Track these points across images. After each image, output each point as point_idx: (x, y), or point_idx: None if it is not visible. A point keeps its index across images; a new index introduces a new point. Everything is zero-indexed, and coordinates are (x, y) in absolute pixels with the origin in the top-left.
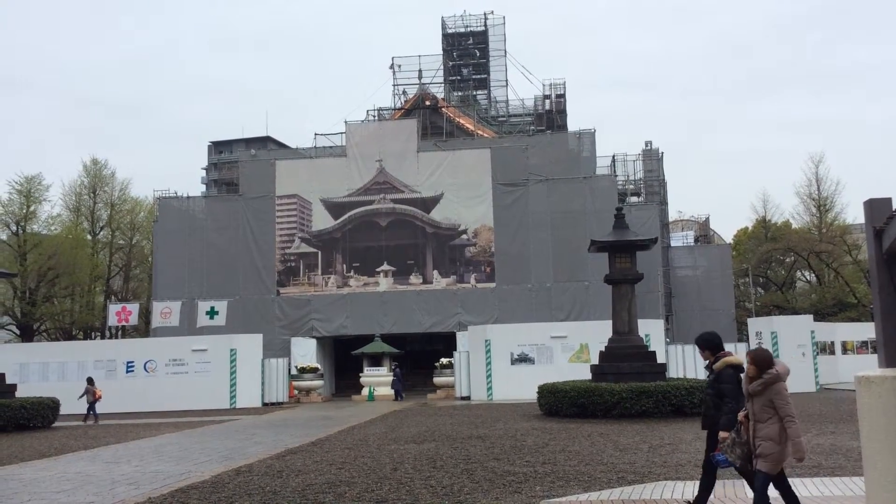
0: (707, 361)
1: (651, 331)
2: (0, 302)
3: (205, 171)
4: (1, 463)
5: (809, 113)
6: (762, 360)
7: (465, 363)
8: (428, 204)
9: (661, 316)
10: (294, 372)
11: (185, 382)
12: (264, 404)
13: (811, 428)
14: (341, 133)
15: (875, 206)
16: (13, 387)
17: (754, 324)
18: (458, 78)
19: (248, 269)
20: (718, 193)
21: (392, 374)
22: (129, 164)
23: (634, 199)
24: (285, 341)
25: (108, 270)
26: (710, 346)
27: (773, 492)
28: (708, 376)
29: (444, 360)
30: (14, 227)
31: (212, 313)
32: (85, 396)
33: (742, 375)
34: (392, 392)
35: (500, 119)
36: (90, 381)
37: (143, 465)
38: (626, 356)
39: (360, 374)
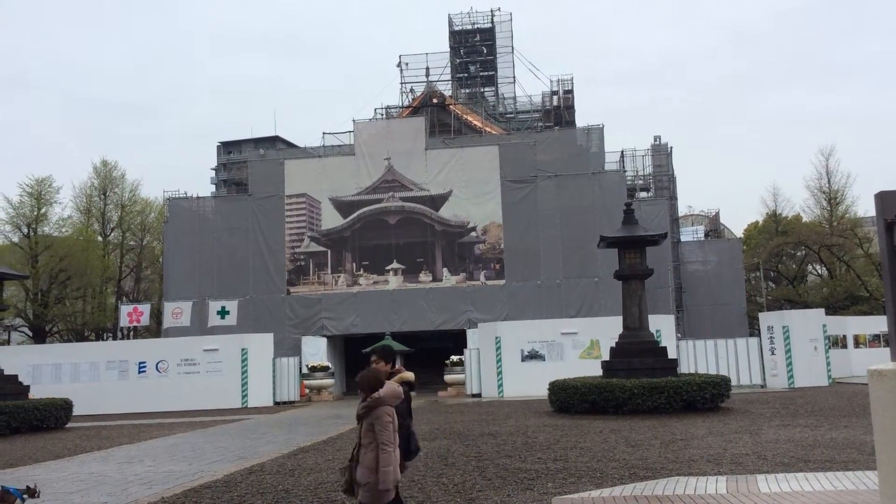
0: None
1: (662, 326)
2: (13, 304)
3: (214, 172)
4: (15, 464)
5: (820, 105)
6: (365, 383)
7: (475, 360)
8: (437, 201)
9: (672, 311)
10: (305, 371)
11: (197, 382)
12: (276, 403)
13: (824, 422)
14: (349, 132)
15: (886, 199)
16: (26, 388)
17: (766, 318)
18: (466, 75)
19: (259, 269)
20: (728, 188)
21: None
22: (139, 165)
23: (644, 194)
24: (296, 340)
25: (120, 271)
26: (388, 358)
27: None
28: None
29: (454, 358)
30: (25, 230)
31: (223, 313)
32: None
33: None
34: None
35: (507, 116)
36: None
37: (156, 465)
38: (637, 352)
39: None
